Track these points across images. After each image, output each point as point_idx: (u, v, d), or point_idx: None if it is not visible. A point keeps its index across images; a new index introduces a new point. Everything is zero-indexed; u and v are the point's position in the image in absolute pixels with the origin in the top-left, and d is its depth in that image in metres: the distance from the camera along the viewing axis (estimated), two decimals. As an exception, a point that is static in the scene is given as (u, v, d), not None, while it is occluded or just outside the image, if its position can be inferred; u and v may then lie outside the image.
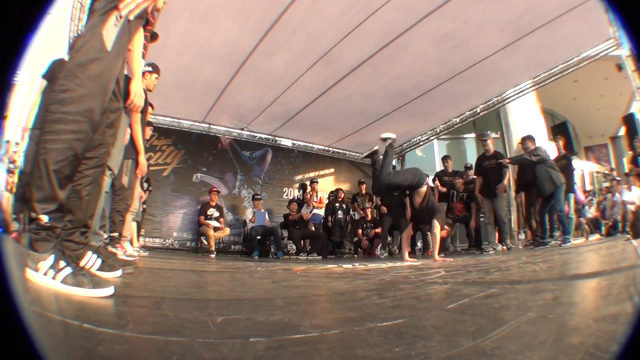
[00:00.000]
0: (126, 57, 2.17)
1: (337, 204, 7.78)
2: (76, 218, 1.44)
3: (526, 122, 11.47)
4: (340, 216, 7.71)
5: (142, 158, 3.30)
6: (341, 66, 5.99)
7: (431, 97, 6.92)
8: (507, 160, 5.82)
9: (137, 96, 2.01)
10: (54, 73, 3.35)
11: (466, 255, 5.58)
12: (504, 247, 5.69)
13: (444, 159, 7.32)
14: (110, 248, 2.67)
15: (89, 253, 1.61)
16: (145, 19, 1.74)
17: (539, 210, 5.47)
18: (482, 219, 6.21)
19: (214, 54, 5.55)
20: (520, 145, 6.15)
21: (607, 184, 11.02)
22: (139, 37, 1.90)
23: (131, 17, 1.47)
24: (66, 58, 3.72)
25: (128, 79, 2.30)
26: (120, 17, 1.41)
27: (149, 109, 4.01)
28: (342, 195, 8.06)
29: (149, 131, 4.66)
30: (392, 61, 5.83)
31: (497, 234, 6.34)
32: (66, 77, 1.27)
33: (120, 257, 2.53)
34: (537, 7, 4.75)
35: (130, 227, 4.03)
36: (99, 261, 1.66)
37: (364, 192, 8.57)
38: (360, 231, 7.66)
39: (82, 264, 1.49)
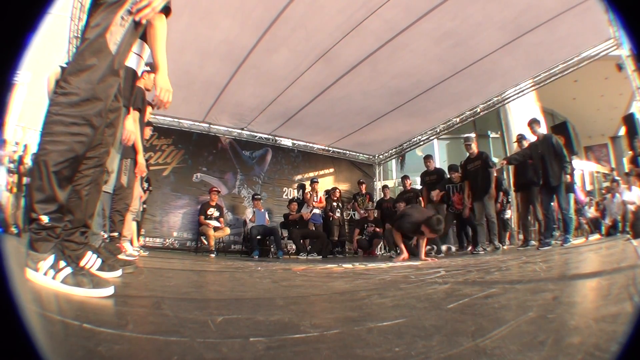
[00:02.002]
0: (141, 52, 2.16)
1: (333, 203, 7.77)
2: (76, 218, 1.44)
3: (526, 122, 11.47)
4: (337, 215, 7.71)
5: (141, 157, 3.30)
6: (341, 64, 5.99)
7: (431, 96, 6.92)
8: (505, 162, 5.78)
9: (163, 91, 1.70)
10: None
11: (465, 255, 5.58)
12: (493, 247, 5.70)
13: (426, 158, 7.30)
14: (120, 244, 2.66)
15: (89, 253, 1.61)
16: (167, 7, 1.71)
17: (545, 206, 5.40)
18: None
19: (214, 52, 5.55)
20: (517, 143, 6.15)
21: (607, 184, 11.04)
22: (162, 25, 1.74)
23: (144, 22, 1.46)
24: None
25: (133, 76, 2.30)
26: (135, 21, 1.39)
27: (148, 108, 4.02)
28: (338, 194, 8.04)
29: (148, 131, 4.66)
30: (391, 59, 5.84)
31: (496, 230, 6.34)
32: (67, 79, 1.27)
33: (120, 256, 2.53)
34: (537, 6, 4.75)
35: (130, 227, 4.03)
36: (99, 261, 1.66)
37: (363, 191, 8.55)
38: (357, 231, 7.65)
39: (82, 264, 1.49)
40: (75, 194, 1.40)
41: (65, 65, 3.51)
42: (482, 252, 5.53)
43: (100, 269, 1.64)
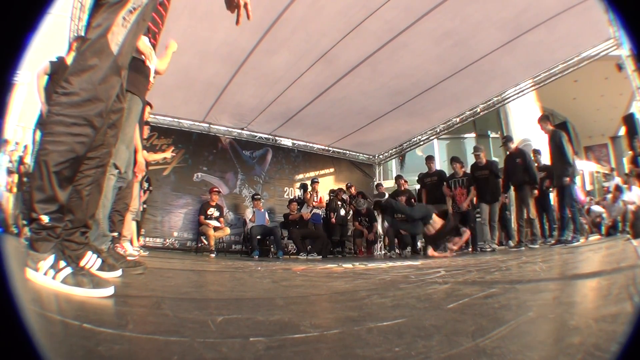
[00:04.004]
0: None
1: (338, 202, 7.77)
2: (76, 218, 1.43)
3: (526, 122, 11.48)
4: (342, 214, 7.71)
5: (140, 156, 3.30)
6: (341, 65, 6.00)
7: (431, 95, 6.93)
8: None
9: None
10: (57, 71, 3.39)
11: (465, 255, 5.58)
12: (489, 248, 5.74)
13: (428, 159, 7.30)
14: (120, 244, 2.67)
15: (89, 253, 1.61)
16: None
17: (564, 204, 5.41)
18: (478, 219, 6.25)
19: (214, 53, 5.55)
20: (504, 146, 6.23)
21: (607, 183, 11.05)
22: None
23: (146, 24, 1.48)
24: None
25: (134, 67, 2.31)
26: (137, 21, 1.39)
27: (147, 108, 4.04)
28: (342, 194, 8.06)
29: (146, 130, 4.67)
30: (391, 60, 5.84)
31: (497, 233, 6.38)
32: (69, 80, 1.26)
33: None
34: (536, 5, 4.76)
35: (129, 226, 4.03)
36: (99, 261, 1.66)
37: (354, 192, 8.56)
38: (357, 224, 7.71)
39: (82, 264, 1.49)
40: (77, 194, 1.40)
41: (55, 60, 3.54)
42: (489, 249, 5.55)
43: (100, 269, 1.64)
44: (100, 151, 1.45)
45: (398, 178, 7.60)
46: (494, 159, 7.26)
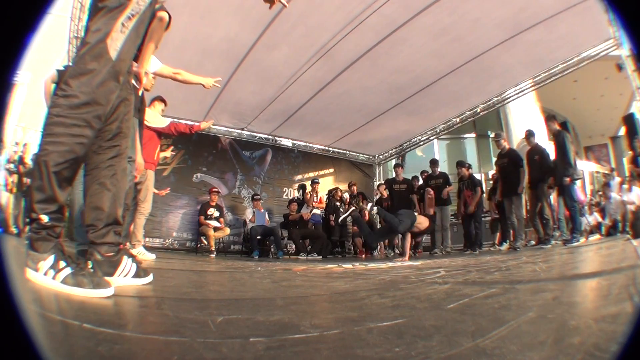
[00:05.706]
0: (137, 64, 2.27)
1: (337, 203, 7.77)
2: (106, 213, 1.38)
3: (526, 122, 11.47)
4: (342, 216, 7.70)
5: (140, 157, 3.30)
6: (340, 60, 6.00)
7: (431, 93, 6.91)
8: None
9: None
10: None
11: (465, 255, 5.58)
12: (510, 247, 5.71)
13: (395, 167, 7.58)
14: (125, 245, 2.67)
15: (125, 258, 1.48)
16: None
17: (566, 204, 5.39)
18: (496, 216, 6.32)
19: (214, 50, 5.55)
20: (526, 140, 6.12)
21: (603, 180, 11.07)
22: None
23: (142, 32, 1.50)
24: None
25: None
26: (136, 28, 1.39)
27: (161, 105, 4.13)
28: (340, 194, 8.04)
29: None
30: (390, 55, 5.84)
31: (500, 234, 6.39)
32: (68, 82, 1.27)
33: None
34: (535, 4, 4.78)
35: (141, 230, 4.00)
36: (135, 267, 1.52)
37: (355, 192, 8.55)
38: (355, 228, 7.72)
39: (117, 272, 1.41)
40: (101, 187, 1.38)
41: (62, 69, 3.58)
42: (519, 248, 5.44)
43: (136, 275, 1.52)
44: (118, 140, 1.44)
45: (396, 166, 7.66)
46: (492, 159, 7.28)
